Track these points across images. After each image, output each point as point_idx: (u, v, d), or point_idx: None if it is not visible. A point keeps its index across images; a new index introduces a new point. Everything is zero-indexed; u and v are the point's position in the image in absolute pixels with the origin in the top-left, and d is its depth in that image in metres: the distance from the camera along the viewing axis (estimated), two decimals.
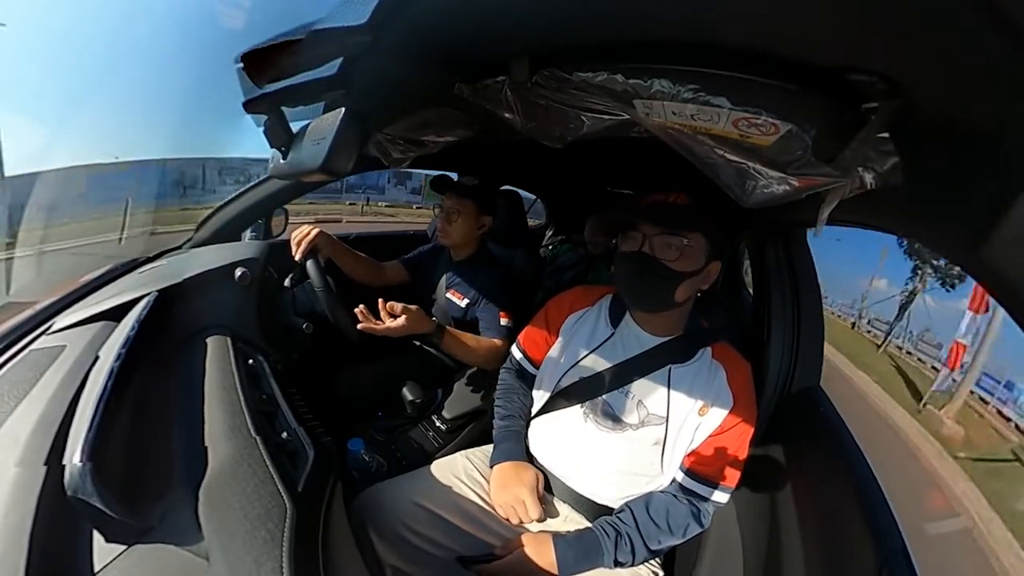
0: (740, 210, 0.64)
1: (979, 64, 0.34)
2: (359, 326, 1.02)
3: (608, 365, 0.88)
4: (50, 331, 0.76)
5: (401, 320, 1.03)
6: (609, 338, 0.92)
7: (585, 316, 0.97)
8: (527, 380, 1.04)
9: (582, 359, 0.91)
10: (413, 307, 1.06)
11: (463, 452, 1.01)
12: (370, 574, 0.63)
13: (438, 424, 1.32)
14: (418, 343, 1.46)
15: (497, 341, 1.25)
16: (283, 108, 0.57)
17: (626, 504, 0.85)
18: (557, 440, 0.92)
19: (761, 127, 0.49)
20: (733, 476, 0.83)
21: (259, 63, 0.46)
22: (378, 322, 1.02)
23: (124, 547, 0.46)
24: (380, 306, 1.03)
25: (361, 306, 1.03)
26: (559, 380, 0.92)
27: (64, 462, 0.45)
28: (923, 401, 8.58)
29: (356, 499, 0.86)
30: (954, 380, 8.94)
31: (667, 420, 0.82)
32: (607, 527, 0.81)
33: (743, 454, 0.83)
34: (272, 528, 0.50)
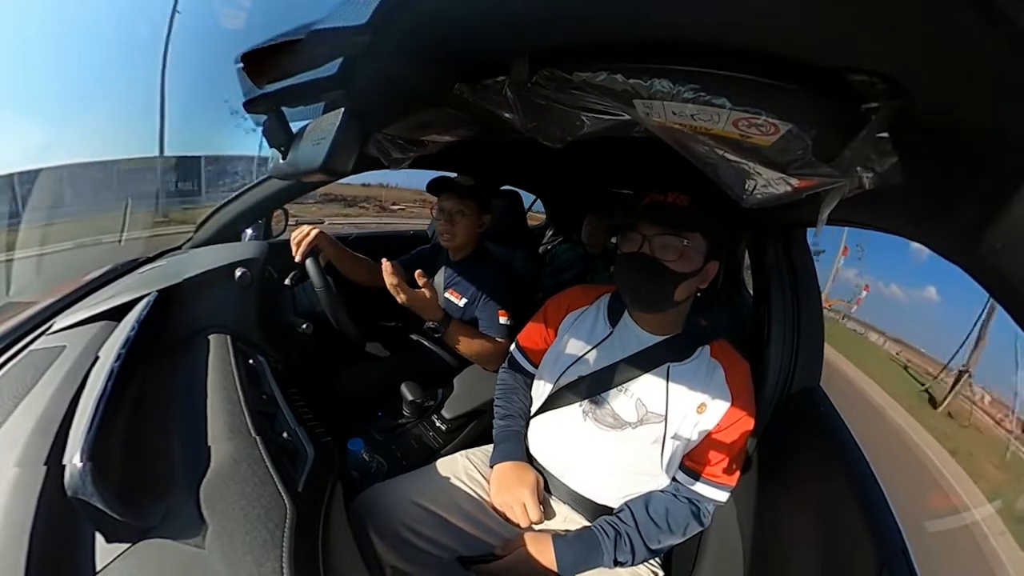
0: (740, 210, 0.64)
1: (978, 63, 0.34)
2: (385, 274, 1.07)
3: (607, 363, 0.88)
4: (50, 331, 0.76)
5: (424, 292, 1.09)
6: (607, 336, 0.92)
7: (583, 315, 0.98)
8: (527, 379, 1.04)
9: (581, 357, 0.91)
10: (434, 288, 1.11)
11: (463, 452, 1.01)
12: (370, 574, 0.63)
13: (438, 424, 1.32)
14: (416, 337, 1.46)
15: (498, 339, 1.25)
16: (283, 108, 0.57)
17: (625, 503, 0.85)
18: (556, 439, 0.92)
19: (761, 127, 0.49)
20: (732, 474, 0.83)
21: (259, 63, 0.46)
22: (400, 282, 1.08)
23: (124, 547, 0.46)
24: (416, 276, 1.12)
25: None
26: (558, 378, 0.92)
27: (64, 462, 0.45)
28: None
29: (356, 499, 0.86)
30: None
31: (666, 418, 0.82)
32: (606, 527, 0.81)
33: (742, 452, 0.83)
34: (272, 528, 0.50)
